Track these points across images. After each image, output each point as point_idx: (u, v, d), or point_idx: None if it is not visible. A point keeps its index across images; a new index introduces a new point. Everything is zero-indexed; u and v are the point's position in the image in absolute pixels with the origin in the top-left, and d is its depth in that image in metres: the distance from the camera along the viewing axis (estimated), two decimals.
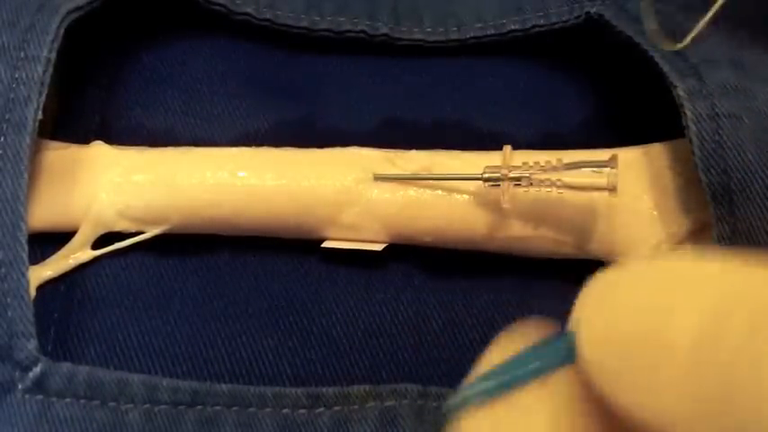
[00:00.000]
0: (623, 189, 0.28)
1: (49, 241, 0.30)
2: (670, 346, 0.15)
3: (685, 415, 0.15)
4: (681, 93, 0.28)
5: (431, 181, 0.30)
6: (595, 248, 0.29)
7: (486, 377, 0.18)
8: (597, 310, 0.16)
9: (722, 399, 0.15)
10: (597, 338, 0.16)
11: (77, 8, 0.30)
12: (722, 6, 0.25)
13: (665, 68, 0.29)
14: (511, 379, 0.18)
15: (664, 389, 0.16)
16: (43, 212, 0.30)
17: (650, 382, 0.16)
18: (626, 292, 0.16)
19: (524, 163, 0.28)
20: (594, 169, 0.27)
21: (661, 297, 0.16)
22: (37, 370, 0.26)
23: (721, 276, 0.16)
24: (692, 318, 0.16)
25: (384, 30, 0.33)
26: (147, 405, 0.26)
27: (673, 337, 0.15)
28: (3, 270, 0.27)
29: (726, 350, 0.15)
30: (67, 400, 0.26)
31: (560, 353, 0.17)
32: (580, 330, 0.16)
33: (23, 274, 0.27)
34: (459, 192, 0.29)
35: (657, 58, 0.29)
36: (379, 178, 0.30)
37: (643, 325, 0.16)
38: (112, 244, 0.31)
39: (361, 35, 0.33)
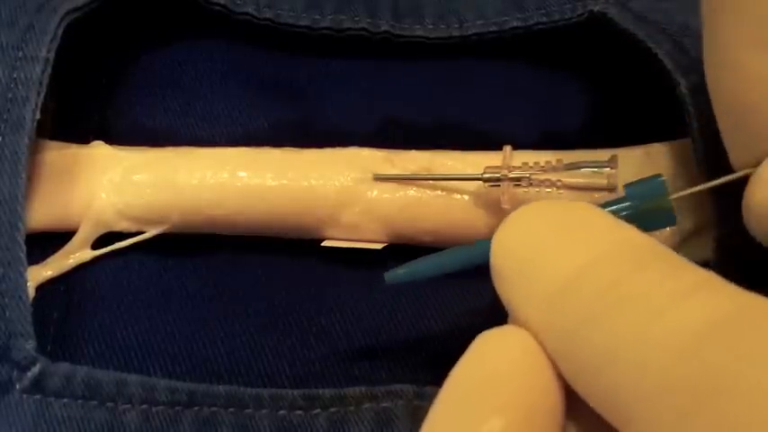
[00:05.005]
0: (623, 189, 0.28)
1: (49, 241, 0.30)
2: (547, 278, 0.19)
3: (550, 340, 0.18)
4: (684, 90, 0.28)
5: (431, 181, 0.29)
6: None
7: (423, 261, 0.26)
8: (511, 228, 0.20)
9: (571, 343, 0.17)
10: (502, 251, 0.20)
11: (76, 8, 0.30)
12: None
13: (669, 65, 0.28)
14: (442, 264, 0.25)
15: (534, 309, 0.19)
16: (43, 212, 0.30)
17: (526, 298, 0.19)
18: (533, 221, 0.20)
19: (524, 163, 0.28)
20: (594, 170, 0.27)
21: (557, 235, 0.19)
22: (35, 370, 0.26)
23: (608, 233, 0.19)
24: (573, 261, 0.18)
25: (385, 27, 0.33)
26: (145, 406, 0.26)
27: (551, 271, 0.19)
28: (1, 270, 0.27)
29: (584, 299, 0.18)
30: (65, 400, 0.26)
31: (483, 254, 0.21)
32: (494, 241, 0.21)
33: (21, 275, 0.27)
34: (459, 192, 0.29)
35: (661, 55, 0.29)
36: (379, 178, 0.30)
37: (535, 252, 0.19)
38: (112, 244, 0.31)
39: (362, 33, 0.33)
